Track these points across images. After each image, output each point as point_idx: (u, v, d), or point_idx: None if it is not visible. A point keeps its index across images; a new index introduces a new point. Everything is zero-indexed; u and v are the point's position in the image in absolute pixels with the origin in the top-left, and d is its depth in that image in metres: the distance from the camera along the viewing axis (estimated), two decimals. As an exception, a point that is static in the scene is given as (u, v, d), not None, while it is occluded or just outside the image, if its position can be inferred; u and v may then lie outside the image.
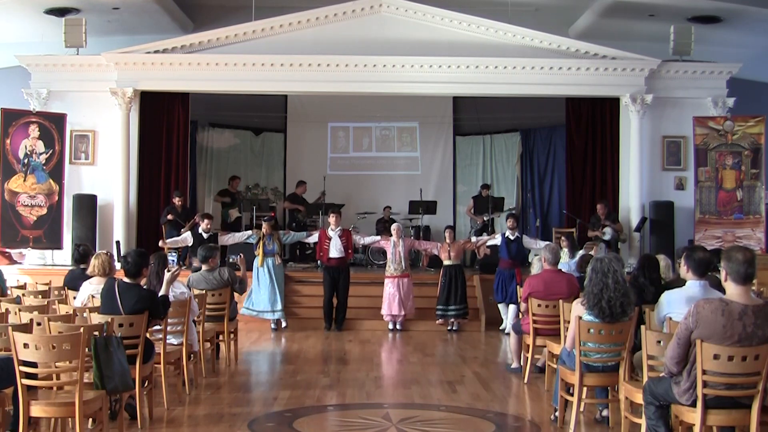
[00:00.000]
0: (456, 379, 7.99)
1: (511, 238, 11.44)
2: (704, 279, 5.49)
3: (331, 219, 11.62)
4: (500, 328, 11.35)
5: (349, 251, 11.60)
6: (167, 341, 6.65)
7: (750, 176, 13.45)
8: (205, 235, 11.37)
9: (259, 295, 11.35)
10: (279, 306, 11.39)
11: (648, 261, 6.76)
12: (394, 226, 11.83)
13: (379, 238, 12.17)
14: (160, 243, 11.75)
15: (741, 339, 4.45)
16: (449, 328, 11.45)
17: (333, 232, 11.47)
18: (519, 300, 8.28)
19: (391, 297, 11.29)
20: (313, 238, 11.87)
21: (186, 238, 11.71)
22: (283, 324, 11.55)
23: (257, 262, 11.40)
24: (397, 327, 11.37)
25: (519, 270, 11.28)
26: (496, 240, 11.72)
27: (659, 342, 5.05)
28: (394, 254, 11.39)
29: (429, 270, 12.80)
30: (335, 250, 11.35)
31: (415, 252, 13.10)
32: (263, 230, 11.53)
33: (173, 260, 11.99)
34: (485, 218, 14.60)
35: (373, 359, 9.67)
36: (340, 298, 11.44)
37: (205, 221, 11.61)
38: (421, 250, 12.52)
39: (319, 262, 11.83)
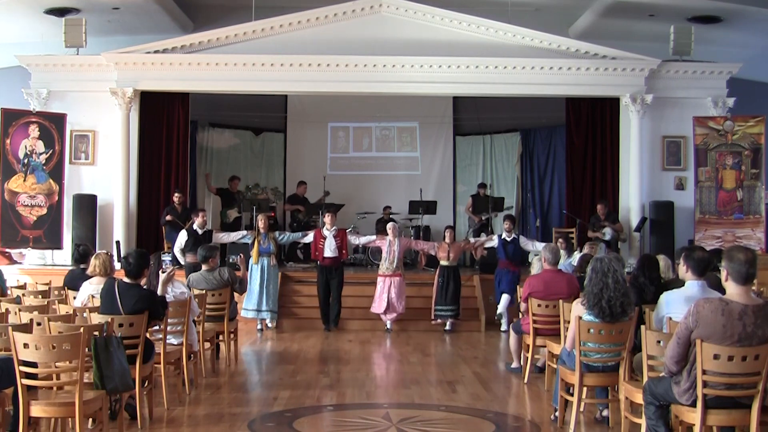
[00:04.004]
0: (456, 379, 7.99)
1: (508, 239, 11.52)
2: (703, 279, 5.49)
3: (327, 219, 11.69)
4: (501, 329, 11.36)
5: (344, 251, 11.63)
6: (167, 341, 6.65)
7: (750, 176, 13.44)
8: (200, 231, 11.31)
9: (250, 294, 11.32)
10: (265, 306, 11.37)
11: (648, 261, 6.75)
12: (389, 225, 11.90)
13: (374, 237, 12.20)
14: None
15: (741, 339, 4.45)
16: (446, 328, 11.47)
17: (328, 232, 11.51)
18: (518, 299, 8.28)
19: (379, 295, 11.31)
20: (309, 238, 11.86)
21: (183, 235, 11.64)
22: (269, 324, 11.51)
23: (252, 259, 11.39)
24: (388, 327, 11.39)
25: (516, 269, 11.33)
26: (493, 242, 11.76)
27: (659, 342, 5.05)
28: (389, 253, 11.41)
29: (427, 269, 12.80)
30: (329, 249, 11.39)
31: (415, 252, 13.10)
32: (259, 225, 11.53)
33: (168, 261, 11.92)
34: (483, 218, 14.60)
35: (372, 359, 9.68)
36: (333, 298, 11.47)
37: (200, 215, 11.55)
38: (418, 250, 12.52)
39: (318, 262, 11.84)
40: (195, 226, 11.40)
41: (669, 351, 4.70)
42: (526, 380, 7.73)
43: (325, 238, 11.45)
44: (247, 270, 10.85)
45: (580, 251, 10.77)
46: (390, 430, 5.95)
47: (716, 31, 14.07)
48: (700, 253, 5.58)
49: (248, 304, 11.31)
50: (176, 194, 13.24)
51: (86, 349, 5.00)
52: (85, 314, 6.02)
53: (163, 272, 6.74)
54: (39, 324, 5.61)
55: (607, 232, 12.95)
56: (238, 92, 14.20)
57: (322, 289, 11.50)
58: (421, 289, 12.10)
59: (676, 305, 5.37)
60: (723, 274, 4.56)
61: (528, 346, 7.77)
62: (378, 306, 11.34)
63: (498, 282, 11.49)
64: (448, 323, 11.45)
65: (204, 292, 8.18)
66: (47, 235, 13.16)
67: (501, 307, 11.26)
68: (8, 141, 13.05)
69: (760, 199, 13.40)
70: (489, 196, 15.14)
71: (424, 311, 11.71)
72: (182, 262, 11.04)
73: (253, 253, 11.39)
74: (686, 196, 13.63)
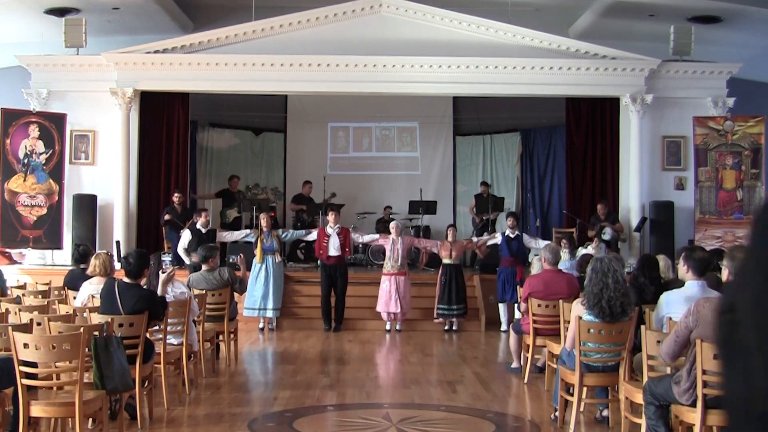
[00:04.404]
0: (456, 379, 7.99)
1: (512, 236, 11.50)
2: (703, 279, 5.49)
3: (330, 217, 11.69)
4: (502, 329, 11.34)
5: (347, 249, 11.63)
6: (167, 341, 6.65)
7: (750, 176, 13.44)
8: (203, 230, 11.33)
9: (253, 293, 11.31)
10: (271, 305, 11.36)
11: (648, 261, 6.76)
12: (392, 224, 11.89)
13: (377, 236, 12.21)
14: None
15: (741, 339, 4.44)
16: (446, 327, 11.47)
17: (332, 230, 11.51)
18: (519, 299, 8.29)
19: (387, 294, 11.31)
20: (312, 236, 11.89)
21: (186, 235, 11.65)
22: (270, 325, 11.51)
23: (256, 259, 11.39)
24: (397, 328, 11.38)
25: (521, 268, 11.30)
26: (497, 239, 11.75)
27: (659, 342, 5.04)
28: (393, 251, 11.41)
29: (427, 269, 12.80)
30: (333, 247, 11.40)
31: (416, 250, 13.11)
32: (262, 223, 11.54)
33: (168, 261, 11.92)
34: (485, 217, 14.61)
35: (373, 359, 9.68)
36: (337, 296, 11.46)
37: (203, 214, 11.57)
38: (420, 248, 12.54)
39: (319, 261, 11.86)
40: (198, 225, 11.42)
41: (665, 346, 4.72)
42: (526, 380, 7.73)
43: (329, 236, 11.46)
44: (248, 270, 10.84)
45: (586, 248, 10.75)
46: (390, 430, 5.95)
47: (716, 31, 14.07)
48: (701, 253, 5.58)
49: (250, 303, 11.30)
50: (176, 194, 13.23)
51: (86, 349, 5.00)
52: (85, 314, 6.02)
53: (163, 272, 6.74)
54: (39, 324, 5.61)
55: (607, 232, 12.94)
56: (238, 92, 14.20)
57: (325, 287, 11.47)
58: (421, 289, 12.09)
59: (676, 305, 5.36)
60: (725, 273, 4.56)
61: (528, 346, 7.77)
62: (386, 305, 11.29)
63: (502, 284, 11.41)
64: (455, 322, 11.44)
65: (204, 292, 8.18)
66: (47, 235, 13.15)
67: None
68: (8, 141, 13.05)
69: (760, 199, 13.39)
70: (491, 195, 15.13)
71: (424, 311, 11.71)
72: (187, 262, 11.04)
73: (257, 251, 11.39)
74: (686, 196, 13.63)
